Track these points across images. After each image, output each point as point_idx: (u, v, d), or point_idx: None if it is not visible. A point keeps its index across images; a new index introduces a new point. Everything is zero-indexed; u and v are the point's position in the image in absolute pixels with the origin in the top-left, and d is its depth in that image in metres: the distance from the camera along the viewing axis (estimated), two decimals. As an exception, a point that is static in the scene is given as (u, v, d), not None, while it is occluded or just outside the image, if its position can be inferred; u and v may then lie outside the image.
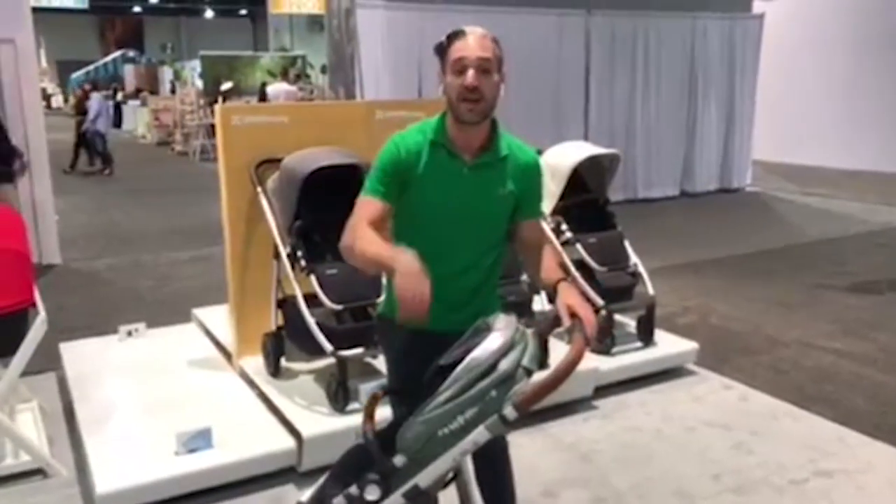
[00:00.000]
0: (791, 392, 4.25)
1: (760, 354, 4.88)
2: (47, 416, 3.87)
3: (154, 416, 3.68)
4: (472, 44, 2.06)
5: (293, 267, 3.77)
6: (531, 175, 2.25)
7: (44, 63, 35.22)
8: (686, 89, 10.84)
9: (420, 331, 2.07)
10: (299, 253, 3.73)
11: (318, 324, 3.59)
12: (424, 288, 1.86)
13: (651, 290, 4.52)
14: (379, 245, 2.02)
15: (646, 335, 4.48)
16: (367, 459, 2.00)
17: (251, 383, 3.99)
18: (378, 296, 3.72)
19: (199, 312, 5.03)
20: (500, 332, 1.86)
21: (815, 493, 3.24)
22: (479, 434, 1.79)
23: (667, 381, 4.35)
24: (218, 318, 4.70)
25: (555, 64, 9.80)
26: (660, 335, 4.56)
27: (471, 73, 2.04)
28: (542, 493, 3.14)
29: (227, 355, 4.36)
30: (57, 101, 35.67)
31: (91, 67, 34.29)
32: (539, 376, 1.83)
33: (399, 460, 1.88)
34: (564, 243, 4.44)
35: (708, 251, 7.61)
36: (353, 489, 1.94)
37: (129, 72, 31.06)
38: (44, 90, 30.21)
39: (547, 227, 4.01)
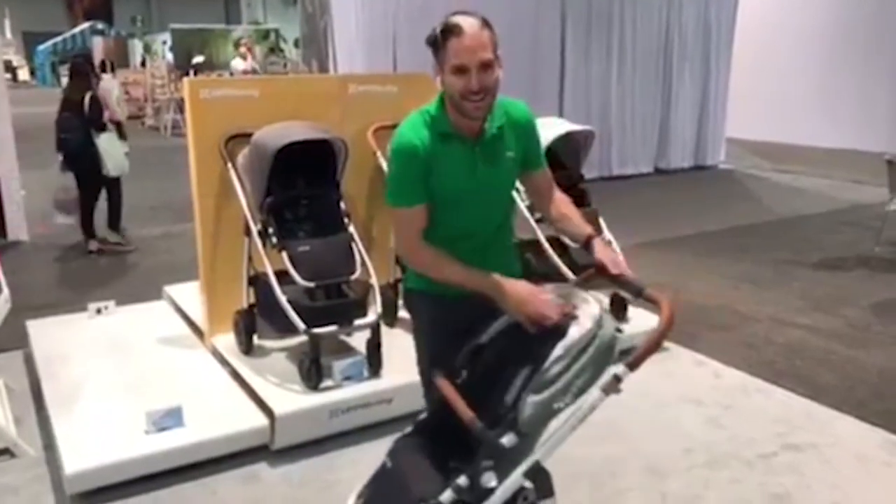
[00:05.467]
0: (762, 367, 4.30)
1: (732, 330, 4.93)
2: (14, 395, 3.81)
3: (124, 394, 3.64)
4: (470, 43, 1.99)
5: (264, 244, 3.72)
6: (528, 130, 2.26)
7: (8, 34, 34.41)
8: (661, 66, 10.84)
9: (452, 296, 2.16)
10: (270, 230, 3.68)
11: (290, 301, 3.55)
12: (545, 306, 2.03)
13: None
14: (467, 273, 2.13)
15: (619, 312, 4.49)
16: (436, 451, 2.01)
17: (223, 361, 3.96)
18: (351, 273, 3.70)
19: (170, 290, 4.97)
20: (588, 305, 1.97)
21: (783, 467, 3.29)
22: (597, 398, 1.87)
23: (640, 357, 4.38)
24: (189, 295, 4.65)
25: (530, 39, 9.74)
26: (633, 311, 4.56)
27: (474, 78, 2.01)
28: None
29: (199, 333, 4.32)
30: (23, 73, 34.88)
31: (58, 39, 33.46)
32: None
33: (508, 440, 1.85)
34: (539, 220, 4.43)
35: (681, 228, 7.66)
36: (462, 480, 1.87)
37: (97, 44, 30.37)
38: (9, 62, 29.54)
39: (521, 203, 4.01)
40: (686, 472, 3.26)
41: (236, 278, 3.97)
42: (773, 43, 13.52)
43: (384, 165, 4.34)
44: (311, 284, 3.60)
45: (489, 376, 2.06)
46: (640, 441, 3.50)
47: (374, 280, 3.82)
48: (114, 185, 6.80)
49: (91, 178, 6.52)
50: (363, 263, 3.76)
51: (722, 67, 11.38)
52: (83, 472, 3.00)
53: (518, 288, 2.08)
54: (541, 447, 1.90)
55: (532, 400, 1.83)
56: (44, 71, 33.64)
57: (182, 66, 16.95)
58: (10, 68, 30.79)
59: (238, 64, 13.54)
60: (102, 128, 6.50)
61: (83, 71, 6.71)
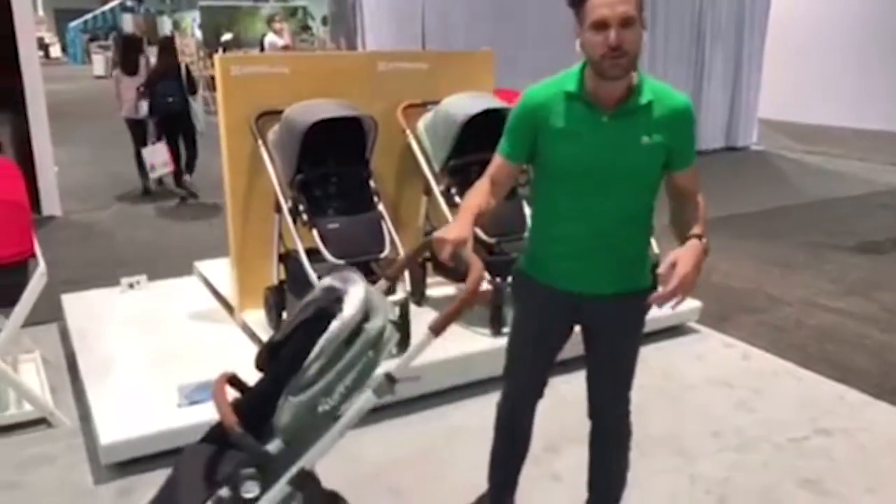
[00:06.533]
0: (793, 351, 4.25)
1: (763, 313, 4.87)
2: (50, 366, 3.88)
3: (156, 367, 3.69)
4: None
5: (294, 221, 3.73)
6: (680, 121, 2.09)
7: (40, 11, 34.73)
8: (693, 46, 10.64)
9: (562, 291, 2.13)
10: (301, 207, 3.69)
11: (320, 278, 3.56)
12: (440, 248, 1.94)
13: (656, 249, 4.48)
14: (465, 205, 2.10)
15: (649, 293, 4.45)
16: (215, 459, 1.87)
17: (253, 336, 3.99)
18: (380, 251, 3.71)
19: (200, 265, 5.02)
20: (354, 290, 1.76)
21: (814, 451, 3.26)
22: (367, 400, 1.69)
23: (669, 339, 4.35)
24: (219, 271, 4.68)
25: (560, 18, 9.60)
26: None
27: (613, 32, 1.89)
28: (545, 448, 3.15)
29: (229, 308, 4.36)
30: (55, 50, 35.24)
31: (89, 16, 33.78)
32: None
33: (274, 447, 1.71)
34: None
35: (712, 210, 7.37)
36: (224, 492, 1.72)
37: (127, 21, 30.62)
38: (41, 40, 29.84)
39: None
40: (715, 454, 3.24)
41: (266, 255, 4.00)
42: (804, 22, 13.24)
43: (413, 144, 4.33)
44: (341, 262, 3.60)
45: (284, 376, 1.86)
46: (669, 423, 3.48)
47: (402, 258, 3.82)
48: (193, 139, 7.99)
49: (185, 133, 7.78)
50: (392, 242, 3.76)
51: (755, 46, 11.14)
52: (118, 443, 3.06)
53: (451, 226, 2.03)
54: (306, 453, 1.72)
55: (291, 401, 1.67)
56: (75, 48, 33.96)
57: (210, 44, 16.99)
58: (43, 45, 31.11)
59: (277, 41, 13.44)
60: (195, 92, 8.00)
61: (172, 45, 8.43)
